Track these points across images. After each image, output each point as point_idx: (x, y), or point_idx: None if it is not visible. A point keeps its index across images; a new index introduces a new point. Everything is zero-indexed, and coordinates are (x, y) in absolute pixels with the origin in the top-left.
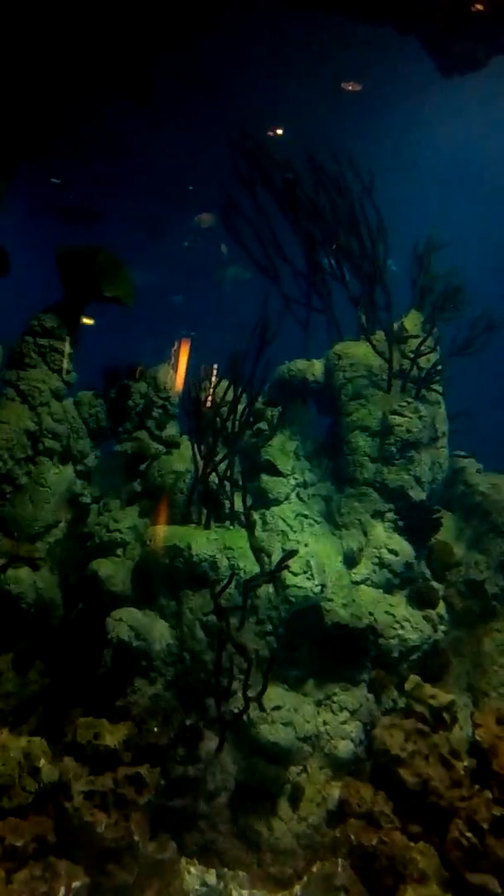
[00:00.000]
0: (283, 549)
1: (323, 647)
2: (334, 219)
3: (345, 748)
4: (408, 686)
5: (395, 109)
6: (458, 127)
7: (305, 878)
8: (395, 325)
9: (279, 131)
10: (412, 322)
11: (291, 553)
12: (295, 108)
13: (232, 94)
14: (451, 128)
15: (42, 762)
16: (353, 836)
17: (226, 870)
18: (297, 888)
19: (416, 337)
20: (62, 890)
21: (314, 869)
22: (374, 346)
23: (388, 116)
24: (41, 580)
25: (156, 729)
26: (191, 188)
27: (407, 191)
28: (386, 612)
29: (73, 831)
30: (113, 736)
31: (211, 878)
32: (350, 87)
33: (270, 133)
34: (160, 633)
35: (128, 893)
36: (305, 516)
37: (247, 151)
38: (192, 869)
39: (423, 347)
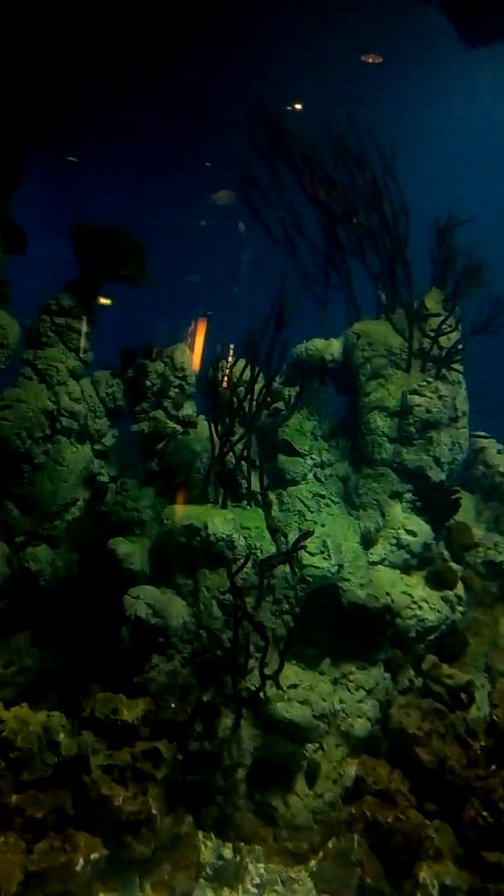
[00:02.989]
0: (300, 530)
1: (339, 627)
2: (354, 194)
3: (361, 726)
4: (425, 666)
5: (416, 82)
6: (483, 99)
7: (321, 854)
8: (416, 304)
9: (297, 106)
10: (433, 300)
11: (307, 534)
12: (313, 82)
13: (249, 68)
14: (476, 100)
15: (61, 736)
16: (369, 813)
17: (242, 844)
18: (313, 863)
19: (437, 315)
20: (81, 861)
21: (330, 844)
22: (393, 325)
23: (409, 89)
24: (59, 558)
25: (173, 705)
26: (208, 165)
27: (429, 165)
28: (403, 593)
29: (92, 804)
30: (131, 711)
31: (227, 851)
32: (370, 60)
33: (289, 108)
34: (177, 610)
35: (145, 865)
36: (322, 496)
37: (265, 127)
38: (209, 843)
39: (444, 326)
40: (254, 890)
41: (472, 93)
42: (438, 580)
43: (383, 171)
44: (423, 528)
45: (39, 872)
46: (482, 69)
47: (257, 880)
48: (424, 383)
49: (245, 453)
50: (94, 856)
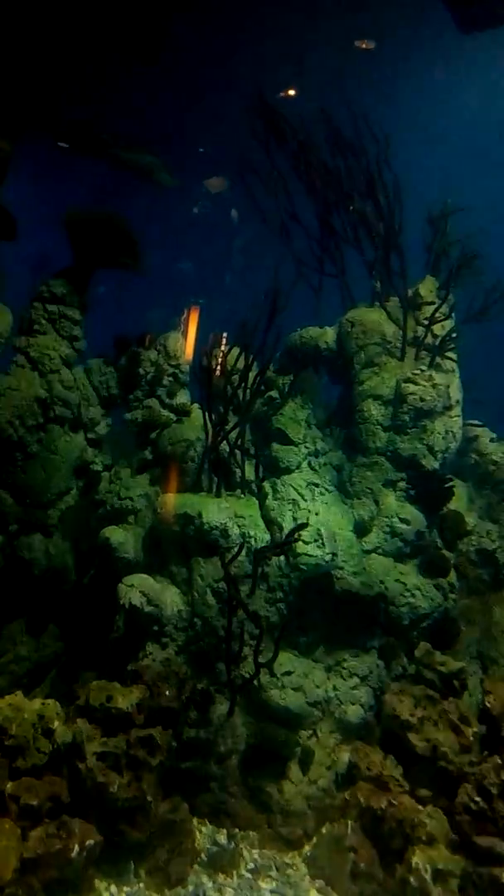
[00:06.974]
0: (295, 518)
1: (333, 615)
2: (349, 181)
3: (354, 713)
4: (418, 653)
5: (410, 68)
6: (477, 86)
7: (315, 839)
8: (410, 292)
9: (291, 92)
10: (427, 288)
11: (301, 526)
12: (307, 68)
13: (243, 54)
14: (470, 87)
15: (56, 724)
16: (362, 799)
17: (237, 830)
18: (307, 849)
19: (431, 304)
20: (76, 847)
21: (324, 830)
22: (388, 313)
23: (403, 75)
24: (53, 546)
25: (168, 692)
26: (201, 150)
27: (422, 153)
28: (396, 581)
29: (87, 791)
30: (125, 699)
31: (222, 837)
32: (363, 46)
33: (283, 94)
34: (171, 599)
35: (140, 852)
36: (317, 485)
37: (259, 113)
38: (204, 829)
39: (437, 314)
40: (248, 875)
41: (466, 78)
42: (431, 568)
43: (377, 158)
44: (416, 517)
45: (35, 859)
46: (477, 55)
47: (252, 866)
48: (418, 371)
49: (239, 442)
50: (89, 842)
